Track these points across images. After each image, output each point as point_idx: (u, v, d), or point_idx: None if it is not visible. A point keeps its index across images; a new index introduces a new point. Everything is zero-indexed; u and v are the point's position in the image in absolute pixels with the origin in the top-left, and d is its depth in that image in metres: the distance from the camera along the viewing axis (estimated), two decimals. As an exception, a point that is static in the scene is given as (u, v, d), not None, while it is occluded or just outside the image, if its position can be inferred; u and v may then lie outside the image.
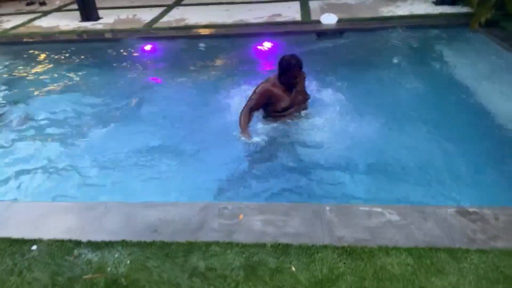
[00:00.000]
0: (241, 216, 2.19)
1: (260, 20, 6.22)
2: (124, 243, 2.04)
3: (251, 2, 7.35)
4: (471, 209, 2.15)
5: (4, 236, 2.12)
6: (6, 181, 2.91)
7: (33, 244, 2.06)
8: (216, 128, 3.45)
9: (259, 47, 5.49)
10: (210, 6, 7.37)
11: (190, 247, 2.01)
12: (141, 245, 2.04)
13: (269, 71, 4.57)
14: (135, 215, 2.24)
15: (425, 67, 4.57)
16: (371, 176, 2.75)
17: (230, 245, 2.02)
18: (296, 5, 6.91)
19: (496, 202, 2.38)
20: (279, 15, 6.41)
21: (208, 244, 2.02)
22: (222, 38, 5.84)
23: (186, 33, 6.02)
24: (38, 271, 1.92)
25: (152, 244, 2.04)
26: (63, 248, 2.03)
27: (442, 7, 6.03)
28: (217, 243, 2.03)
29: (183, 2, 7.89)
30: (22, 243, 2.07)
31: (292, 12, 6.50)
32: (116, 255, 1.98)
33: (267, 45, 5.51)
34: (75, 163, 3.09)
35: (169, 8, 7.43)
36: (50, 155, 3.23)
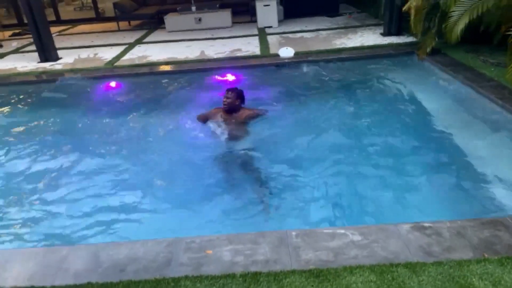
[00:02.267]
0: (209, 252, 2.20)
1: (221, 55, 6.44)
2: (89, 286, 1.99)
3: (212, 39, 7.62)
4: (426, 224, 2.29)
5: (-43, 289, 2.01)
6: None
7: (-9, 295, 1.96)
8: (176, 161, 3.50)
9: (220, 79, 5.66)
10: (171, 43, 7.54)
11: (158, 284, 1.99)
12: (107, 286, 1.99)
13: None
14: (100, 255, 2.20)
15: (375, 92, 4.88)
16: (332, 198, 2.86)
17: (199, 278, 2.02)
18: (255, 40, 7.23)
19: (448, 215, 2.55)
20: (240, 50, 6.66)
21: (177, 280, 2.01)
22: (185, 74, 5.96)
23: (149, 69, 6.10)
24: (-3, 323, 1.82)
25: (118, 284, 2.00)
26: (24, 296, 1.95)
27: (389, 37, 6.53)
28: (186, 278, 2.03)
29: (144, 40, 8.03)
30: (-21, 295, 1.97)
31: (252, 47, 6.78)
32: (81, 299, 1.92)
33: (228, 78, 5.69)
34: (35, 207, 2.99)
35: (130, 46, 7.52)
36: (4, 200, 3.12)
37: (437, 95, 4.65)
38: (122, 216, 2.89)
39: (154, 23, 9.36)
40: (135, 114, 4.74)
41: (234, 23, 8.68)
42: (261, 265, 2.07)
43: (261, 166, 3.37)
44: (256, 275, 2.01)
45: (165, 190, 3.19)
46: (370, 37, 6.73)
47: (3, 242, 2.60)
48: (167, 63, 6.30)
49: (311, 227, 2.48)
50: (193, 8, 8.69)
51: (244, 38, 7.48)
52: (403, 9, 5.52)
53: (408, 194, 2.85)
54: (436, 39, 5.26)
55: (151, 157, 3.68)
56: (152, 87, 5.68)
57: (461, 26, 4.36)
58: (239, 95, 4.00)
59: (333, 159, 3.32)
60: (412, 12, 5.17)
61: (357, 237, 2.22)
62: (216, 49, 6.80)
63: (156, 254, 2.19)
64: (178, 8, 8.83)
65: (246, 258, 2.13)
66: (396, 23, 6.55)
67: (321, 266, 2.03)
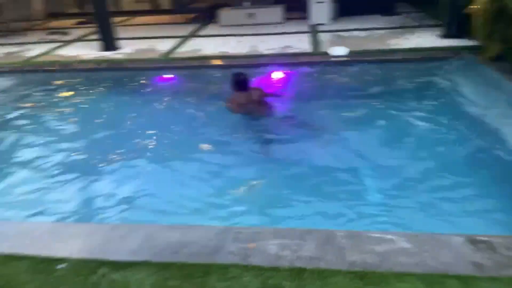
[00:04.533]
0: (252, 245, 2.27)
1: (272, 51, 6.49)
2: (146, 264, 2.15)
3: (263, 34, 7.69)
4: (480, 238, 2.22)
5: (33, 254, 2.24)
6: (33, 203, 3.07)
7: (60, 263, 2.17)
8: (229, 154, 3.62)
9: (270, 76, 5.72)
10: (224, 38, 7.70)
11: (209, 269, 2.10)
12: (162, 266, 2.13)
13: (281, 97, 4.82)
14: (156, 237, 2.35)
15: (430, 99, 4.71)
16: (382, 204, 2.84)
17: (246, 268, 2.11)
18: (307, 37, 7.20)
19: (507, 231, 2.45)
20: (290, 46, 6.68)
21: (225, 267, 2.11)
22: (234, 68, 6.08)
23: (201, 63, 6.29)
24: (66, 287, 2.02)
25: (173, 264, 2.14)
26: (88, 267, 2.13)
27: (449, 40, 6.24)
28: (234, 266, 2.12)
29: (198, 33, 8.26)
30: (50, 262, 2.19)
31: (303, 44, 6.77)
32: (138, 276, 2.07)
33: (278, 74, 5.74)
34: (98, 187, 3.25)
35: (185, 39, 7.78)
36: (73, 179, 3.40)
37: (498, 104, 4.40)
38: (175, 200, 3.07)
39: (208, 17, 9.58)
40: (190, 105, 4.91)
41: (286, 19, 8.69)
42: (306, 261, 2.12)
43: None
44: (301, 270, 2.06)
45: (215, 179, 3.34)
46: (429, 39, 6.47)
47: (69, 216, 2.84)
48: (219, 57, 6.46)
49: (358, 229, 2.48)
50: (246, 3, 8.80)
51: (296, 35, 7.47)
52: (466, 10, 5.26)
53: (464, 204, 2.76)
54: (500, 45, 4.96)
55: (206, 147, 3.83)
56: (204, 80, 5.87)
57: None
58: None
59: (383, 162, 3.28)
60: (476, 14, 4.91)
61: (406, 244, 2.19)
62: (267, 45, 6.86)
63: (207, 240, 2.31)
64: (231, 3, 8.99)
65: (292, 253, 2.19)
66: (456, 25, 6.23)
67: (367, 269, 2.04)
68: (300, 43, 6.84)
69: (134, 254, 2.22)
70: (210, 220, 2.73)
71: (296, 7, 9.21)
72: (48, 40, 8.46)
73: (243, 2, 8.86)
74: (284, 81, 5.60)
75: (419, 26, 7.36)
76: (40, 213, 2.90)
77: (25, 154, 3.94)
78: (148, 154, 3.82)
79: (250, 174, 3.41)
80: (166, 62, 6.46)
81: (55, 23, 10.47)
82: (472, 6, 5.06)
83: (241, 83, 4.38)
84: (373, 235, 2.31)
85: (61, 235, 2.41)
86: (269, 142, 3.93)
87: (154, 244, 2.30)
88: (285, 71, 5.77)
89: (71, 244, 2.31)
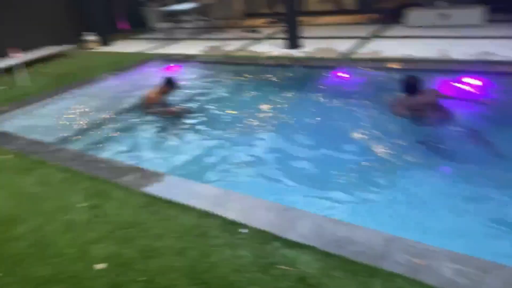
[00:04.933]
0: (421, 262, 2.14)
1: (466, 57, 5.79)
2: (313, 249, 2.30)
3: (456, 38, 6.91)
4: None
5: (222, 215, 2.69)
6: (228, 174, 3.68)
7: (243, 228, 2.54)
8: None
9: (463, 85, 5.12)
10: (409, 40, 7.28)
11: (374, 272, 2.10)
12: (328, 256, 2.25)
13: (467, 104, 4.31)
14: (324, 227, 2.49)
15: None
16: None
17: (414, 282, 2.02)
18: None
19: None
20: (492, 53, 5.81)
21: (392, 275, 2.08)
22: (419, 72, 5.67)
23: (380, 65, 6.13)
24: (246, 250, 2.36)
25: (337, 257, 2.23)
26: (265, 237, 2.43)
27: None
28: (401, 277, 2.07)
29: (380, 34, 8.04)
30: (234, 225, 2.59)
31: (507, 51, 5.80)
32: (306, 257, 2.25)
33: (472, 80, 5.07)
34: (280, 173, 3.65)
35: (366, 39, 7.70)
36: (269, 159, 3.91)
37: None
38: (347, 196, 3.18)
39: (394, 17, 9.19)
40: (365, 107, 4.89)
41: (488, 21, 7.57)
42: (488, 297, 1.89)
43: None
44: (481, 304, 1.86)
45: (399, 184, 3.30)
46: None
47: (252, 190, 3.27)
48: (401, 60, 6.16)
49: None
50: (440, 2, 8.05)
51: (500, 40, 6.45)
52: None
53: None
54: None
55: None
56: (381, 83, 5.71)
57: None
58: None
59: None
60: None
61: None
62: (460, 50, 6.15)
63: (373, 243, 2.31)
64: (422, 2, 8.37)
65: (471, 283, 1.98)
66: None
67: None
68: (505, 50, 5.87)
69: (302, 237, 2.41)
70: (376, 225, 2.69)
71: (504, 8, 7.91)
72: (242, 37, 9.68)
73: (435, 1, 8.14)
74: (478, 89, 4.93)
75: None
76: (231, 184, 3.44)
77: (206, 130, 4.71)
78: (322, 150, 4.02)
79: (422, 186, 3.21)
80: (345, 62, 6.54)
81: (249, 22, 11.86)
82: None
83: (412, 86, 4.26)
84: None
85: (247, 205, 2.81)
86: (440, 152, 3.66)
87: (322, 233, 2.44)
88: (481, 79, 5.07)
89: (254, 215, 2.66)
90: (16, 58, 7.38)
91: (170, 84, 5.36)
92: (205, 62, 7.66)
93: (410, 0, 9.19)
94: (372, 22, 9.48)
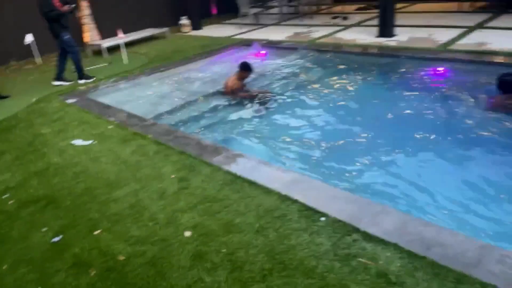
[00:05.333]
0: None
1: None
2: (396, 247, 2.22)
3: None
4: None
5: (302, 201, 2.71)
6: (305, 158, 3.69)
7: (322, 216, 2.54)
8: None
9: None
10: (522, 31, 6.44)
11: (463, 278, 1.96)
12: (412, 255, 2.15)
13: None
14: (409, 226, 2.37)
15: None
16: None
17: (510, 296, 1.85)
18: None
19: None
20: None
21: (484, 284, 1.92)
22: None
23: (486, 58, 5.53)
24: (323, 237, 2.36)
25: (423, 258, 2.12)
26: (344, 228, 2.41)
27: None
28: (493, 287, 1.90)
29: (487, 25, 7.23)
30: (314, 212, 2.59)
31: None
32: (387, 254, 2.18)
33: None
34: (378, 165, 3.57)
35: (470, 29, 6.98)
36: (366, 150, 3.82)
37: None
38: (433, 196, 2.99)
39: (503, 6, 8.17)
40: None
41: None
42: None
43: None
44: None
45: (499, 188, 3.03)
46: None
47: (333, 181, 3.24)
48: (510, 54, 5.48)
49: None
50: None
51: None
52: None
53: None
54: None
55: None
56: (484, 79, 5.15)
57: None
58: None
59: None
60: None
61: None
62: None
63: (464, 249, 2.15)
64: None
65: None
66: None
67: None
68: None
69: (385, 233, 2.33)
70: (466, 230, 2.49)
71: None
72: (330, 24, 9.44)
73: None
74: None
75: None
76: (305, 169, 3.45)
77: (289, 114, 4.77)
78: (407, 146, 3.81)
79: None
80: (441, 54, 6.03)
81: (338, 8, 11.50)
82: None
83: (508, 85, 4.00)
84: None
85: (326, 194, 2.80)
86: None
87: (407, 232, 2.33)
88: None
89: (333, 205, 2.65)
90: (119, 38, 8.13)
91: (246, 69, 5.44)
92: (291, 48, 7.64)
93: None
94: (479, 10, 8.56)
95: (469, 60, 5.59)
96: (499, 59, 5.42)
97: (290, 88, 5.77)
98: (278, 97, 5.38)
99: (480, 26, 7.20)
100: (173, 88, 6.31)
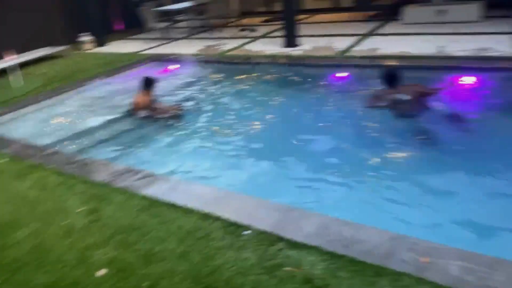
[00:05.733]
0: (426, 260, 2.11)
1: (464, 53, 5.78)
2: (318, 249, 2.27)
3: (454, 34, 6.91)
4: None
5: (224, 217, 2.64)
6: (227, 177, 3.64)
7: (246, 229, 2.50)
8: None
9: (461, 82, 5.12)
10: (406, 37, 7.27)
11: (381, 271, 2.07)
12: (333, 256, 2.21)
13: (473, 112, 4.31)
14: (329, 227, 2.45)
15: None
16: None
17: (422, 280, 1.99)
18: (508, 39, 6.12)
19: None
20: (489, 49, 5.80)
21: (398, 274, 2.05)
22: (417, 70, 5.66)
23: (378, 62, 6.09)
24: (249, 251, 2.32)
25: (343, 257, 2.19)
26: (269, 238, 2.39)
27: None
28: (407, 275, 2.03)
29: (377, 32, 8.02)
30: (238, 227, 2.54)
31: (505, 47, 5.79)
32: (311, 258, 2.21)
33: (471, 80, 5.08)
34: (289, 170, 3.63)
35: (363, 37, 7.68)
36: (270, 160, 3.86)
37: None
38: (346, 194, 3.16)
39: (391, 14, 9.18)
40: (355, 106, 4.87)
41: (485, 17, 7.57)
42: (497, 294, 1.86)
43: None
44: (490, 302, 1.83)
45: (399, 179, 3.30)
46: None
47: (253, 190, 3.22)
48: (399, 57, 6.13)
49: None
50: (437, -1, 8.06)
51: (496, 36, 6.45)
52: None
53: None
54: None
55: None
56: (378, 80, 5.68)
57: None
58: None
59: None
60: None
61: None
62: (458, 46, 6.13)
63: (379, 242, 2.28)
64: None
65: (477, 280, 1.95)
66: None
67: None
68: (502, 46, 5.87)
69: (307, 237, 2.37)
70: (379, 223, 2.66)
71: (500, 3, 7.92)
72: (239, 36, 9.63)
73: (432, -2, 8.15)
74: (469, 85, 4.96)
75: None
76: (231, 184, 3.39)
77: (204, 129, 4.69)
78: (317, 148, 4.01)
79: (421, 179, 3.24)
80: (341, 60, 6.51)
81: (245, 21, 11.82)
82: None
83: (392, 79, 4.34)
84: None
85: (249, 206, 2.77)
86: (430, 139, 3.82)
87: (327, 233, 2.40)
88: (476, 76, 5.07)
89: (256, 216, 2.62)
90: (11, 59, 7.28)
91: (148, 83, 5.16)
92: (201, 62, 7.60)
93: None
94: (370, 19, 9.48)
95: (364, 65, 6.11)
96: (391, 62, 6.02)
97: (203, 102, 5.70)
98: (191, 112, 5.27)
99: (372, 33, 7.97)
100: (75, 111, 5.80)
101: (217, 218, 2.64)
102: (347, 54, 6.78)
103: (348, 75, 6.03)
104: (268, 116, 4.92)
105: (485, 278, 1.96)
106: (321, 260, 2.19)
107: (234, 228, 2.54)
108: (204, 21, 11.57)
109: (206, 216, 2.69)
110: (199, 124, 4.91)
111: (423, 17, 8.01)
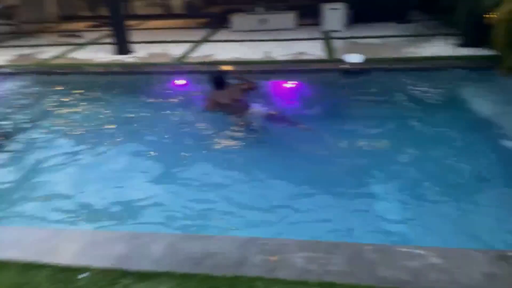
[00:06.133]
0: (274, 258, 2.20)
1: (286, 58, 6.45)
2: (168, 274, 2.09)
3: (276, 40, 7.66)
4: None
5: (53, 263, 2.19)
6: (48, 209, 3.04)
7: (81, 272, 2.12)
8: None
9: (285, 82, 5.68)
10: (237, 43, 7.68)
11: (235, 281, 2.04)
12: (185, 277, 2.07)
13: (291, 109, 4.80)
14: (178, 247, 2.30)
15: (449, 110, 4.64)
16: (408, 216, 2.77)
17: (273, 281, 2.04)
18: (321, 44, 7.16)
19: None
20: (305, 53, 6.64)
21: (252, 279, 2.05)
22: (247, 74, 6.02)
23: (213, 68, 6.25)
24: (88, 299, 1.97)
25: (196, 276, 2.08)
26: (111, 277, 2.08)
27: (466, 49, 6.15)
28: (260, 279, 2.06)
29: (211, 39, 8.26)
30: (70, 271, 2.13)
31: (317, 50, 6.73)
32: (163, 287, 2.01)
33: (293, 81, 5.70)
34: (109, 194, 3.23)
35: (198, 43, 7.78)
36: (88, 184, 3.37)
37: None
38: (192, 209, 3.02)
39: (221, 22, 9.58)
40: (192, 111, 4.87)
41: (299, 25, 8.66)
42: (335, 276, 2.05)
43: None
44: (331, 285, 2.00)
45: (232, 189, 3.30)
46: (444, 48, 6.40)
47: (85, 223, 2.80)
48: (232, 62, 6.43)
49: (386, 244, 2.41)
50: (259, 9, 8.80)
51: (309, 41, 7.44)
52: (486, 20, 5.17)
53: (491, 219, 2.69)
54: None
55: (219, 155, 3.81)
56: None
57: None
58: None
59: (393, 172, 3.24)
60: (499, 24, 4.83)
61: (437, 260, 2.12)
62: (280, 51, 6.82)
63: (230, 251, 2.25)
64: (244, 8, 8.99)
65: (319, 267, 2.12)
66: (475, 34, 6.15)
67: (400, 285, 1.96)
68: (314, 50, 6.80)
69: (156, 264, 2.17)
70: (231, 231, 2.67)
71: (309, 13, 9.18)
72: (61, 43, 8.49)
73: (255, 7, 8.86)
74: (289, 87, 5.60)
75: (434, 35, 7.29)
76: (58, 220, 2.85)
77: (30, 157, 3.93)
78: (146, 160, 3.83)
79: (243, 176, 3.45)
80: (178, 67, 6.44)
81: (68, 26, 10.52)
82: (492, 15, 4.98)
83: (218, 81, 4.50)
84: (401, 249, 2.24)
85: (81, 243, 2.36)
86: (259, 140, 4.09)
87: (176, 254, 2.24)
88: (292, 81, 5.74)
89: (95, 252, 2.26)
90: None
91: None
92: (14, 74, 6.38)
93: (233, 6, 9.77)
94: (201, 26, 9.69)
95: (199, 71, 6.16)
96: (225, 67, 6.25)
97: (22, 122, 4.77)
98: (11, 136, 4.34)
99: (205, 40, 8.15)
100: None
101: (43, 266, 2.17)
102: (184, 60, 6.74)
103: (186, 81, 5.98)
104: (99, 133, 4.45)
105: (325, 264, 2.14)
106: (173, 286, 2.02)
107: (66, 274, 2.13)
108: (15, 26, 9.81)
109: (28, 267, 2.18)
110: (19, 149, 4.07)
111: (249, 25, 8.63)
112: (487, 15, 5.35)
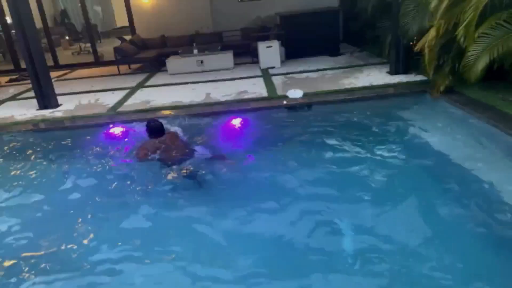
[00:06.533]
0: None
1: (228, 98, 6.26)
2: None
3: (216, 81, 7.49)
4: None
5: None
6: None
7: None
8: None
9: (229, 123, 5.44)
10: (175, 86, 7.40)
11: None
12: None
13: (239, 150, 4.61)
14: None
15: (392, 137, 4.69)
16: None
17: None
18: (260, 82, 7.11)
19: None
20: (246, 91, 6.51)
21: None
22: (193, 118, 5.72)
23: (153, 115, 5.86)
24: None
25: None
26: None
27: (398, 76, 6.45)
28: None
29: (146, 84, 7.88)
30: None
31: (258, 88, 6.64)
32: None
33: (237, 121, 5.48)
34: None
35: (133, 90, 7.35)
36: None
37: (458, 136, 4.47)
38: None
39: (155, 66, 9.28)
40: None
41: (236, 64, 8.63)
42: None
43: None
44: None
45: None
46: (378, 76, 6.65)
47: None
48: (173, 107, 6.09)
49: None
50: (195, 50, 8.66)
51: (249, 80, 7.37)
52: (415, 48, 5.45)
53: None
54: (450, 77, 5.18)
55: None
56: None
57: (481, 65, 4.27)
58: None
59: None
60: (426, 50, 5.09)
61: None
62: (221, 91, 6.64)
63: None
64: (179, 51, 8.80)
65: None
66: (403, 62, 6.49)
67: None
68: (255, 88, 6.71)
69: None
70: None
71: (244, 52, 9.25)
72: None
73: (191, 49, 8.72)
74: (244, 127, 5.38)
75: (365, 65, 7.62)
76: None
77: None
78: (87, 223, 3.35)
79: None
80: (111, 117, 5.94)
81: (-17, 82, 9.52)
82: (420, 43, 5.26)
83: (156, 130, 4.31)
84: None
85: None
86: (200, 182, 3.89)
87: None
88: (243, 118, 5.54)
89: None
90: None
91: None
92: None
93: (167, 49, 9.55)
94: (134, 72, 9.31)
95: (143, 119, 5.72)
96: (168, 112, 5.89)
97: None
98: None
99: (141, 85, 7.75)
100: None
101: None
102: (119, 109, 6.26)
103: (121, 132, 5.48)
104: (21, 203, 3.81)
105: None
106: None
107: None
108: None
109: None
110: None
111: (186, 67, 8.42)
112: (413, 43, 5.66)
